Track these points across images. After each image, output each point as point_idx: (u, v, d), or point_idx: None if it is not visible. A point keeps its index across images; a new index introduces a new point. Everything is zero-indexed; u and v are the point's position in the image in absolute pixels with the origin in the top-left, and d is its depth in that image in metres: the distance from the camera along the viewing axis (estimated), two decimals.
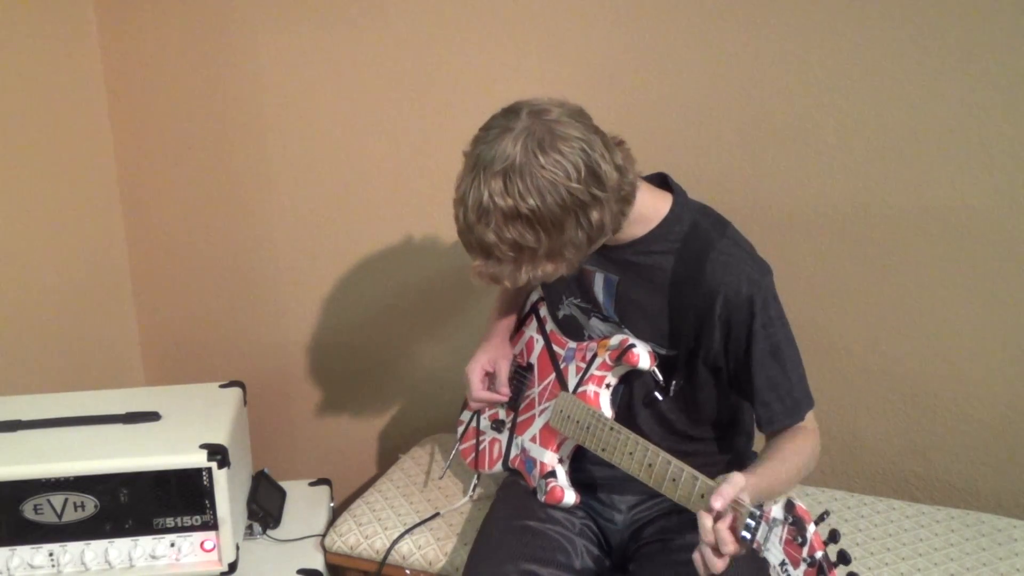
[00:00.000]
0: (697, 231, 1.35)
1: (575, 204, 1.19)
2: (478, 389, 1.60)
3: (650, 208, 1.35)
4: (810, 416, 1.37)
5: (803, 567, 1.06)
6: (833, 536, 1.07)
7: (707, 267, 1.32)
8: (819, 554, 1.06)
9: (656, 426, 1.44)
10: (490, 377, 1.63)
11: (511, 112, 1.23)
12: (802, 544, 1.07)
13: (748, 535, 1.12)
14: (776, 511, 1.10)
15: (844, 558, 1.06)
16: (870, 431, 1.86)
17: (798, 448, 1.31)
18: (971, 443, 1.78)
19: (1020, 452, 1.76)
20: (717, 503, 1.11)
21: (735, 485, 1.13)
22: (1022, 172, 1.64)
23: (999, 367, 1.73)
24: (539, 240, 1.20)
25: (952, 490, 1.82)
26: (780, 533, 1.09)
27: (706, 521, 1.13)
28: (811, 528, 1.07)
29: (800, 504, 1.08)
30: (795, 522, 1.08)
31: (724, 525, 1.12)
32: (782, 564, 1.08)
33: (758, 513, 1.11)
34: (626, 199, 1.27)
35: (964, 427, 1.78)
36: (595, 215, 1.21)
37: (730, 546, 1.11)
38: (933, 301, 1.75)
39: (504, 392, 1.61)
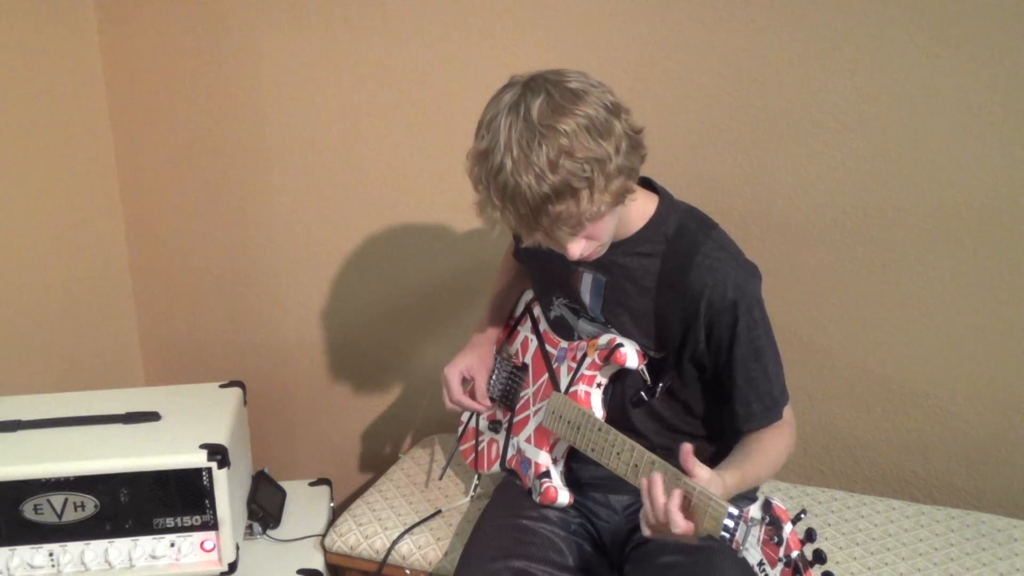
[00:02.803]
0: (683, 233, 1.35)
1: (613, 106, 1.22)
2: (457, 392, 1.61)
3: (637, 208, 1.36)
4: (786, 409, 1.40)
5: (780, 567, 1.07)
6: (809, 535, 1.07)
7: (692, 271, 1.32)
8: (795, 554, 1.06)
9: (650, 422, 1.44)
10: (468, 383, 1.63)
11: (501, 89, 1.25)
12: (779, 544, 1.07)
13: (728, 535, 1.12)
14: (754, 511, 1.11)
15: (820, 557, 1.06)
16: (870, 431, 1.85)
17: (768, 447, 1.35)
18: (971, 443, 1.78)
19: (1020, 452, 1.76)
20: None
21: (700, 478, 1.17)
22: (1022, 172, 1.64)
23: (999, 367, 1.73)
24: (602, 147, 1.19)
25: (952, 490, 1.82)
26: (758, 533, 1.09)
27: (658, 499, 1.18)
28: (787, 527, 1.07)
29: (777, 503, 1.09)
30: (772, 522, 1.08)
31: (675, 505, 1.16)
32: (760, 564, 1.09)
33: (737, 513, 1.12)
34: (635, 130, 1.27)
35: (964, 427, 1.78)
36: (627, 119, 1.24)
37: (680, 527, 1.15)
38: (933, 301, 1.75)
39: (484, 404, 1.62)
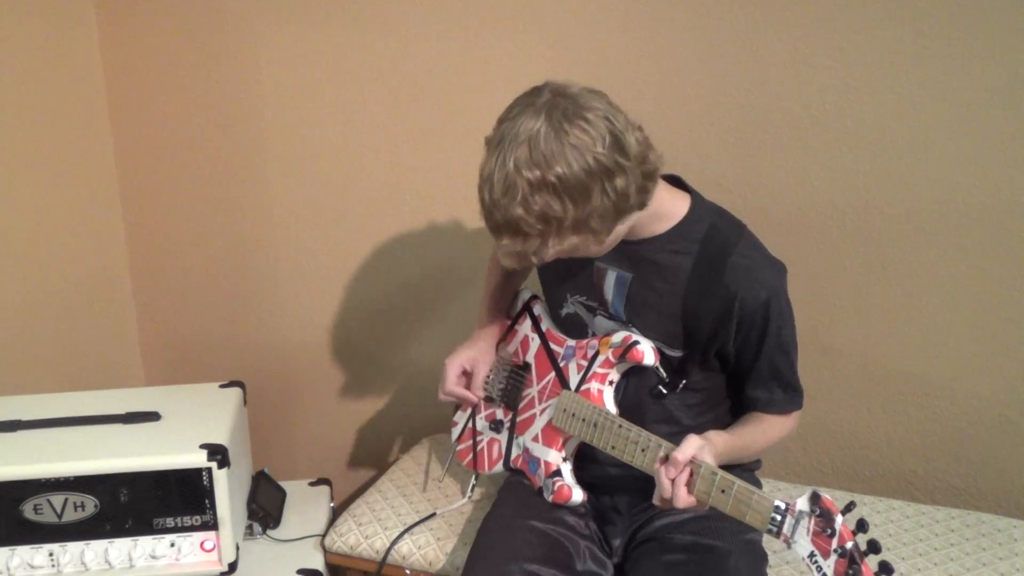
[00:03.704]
0: (715, 232, 1.36)
1: (601, 171, 1.20)
2: (452, 382, 1.61)
3: (669, 206, 1.37)
4: None
5: (834, 558, 1.07)
6: (862, 526, 1.07)
7: (727, 271, 1.33)
8: (849, 544, 1.07)
9: (662, 423, 1.45)
10: (467, 376, 1.64)
11: (533, 91, 1.26)
12: (831, 535, 1.08)
13: (775, 529, 1.13)
14: (802, 503, 1.12)
15: (875, 547, 1.06)
16: (870, 431, 1.86)
17: (767, 426, 1.42)
18: (971, 443, 1.78)
19: (1020, 452, 1.76)
20: (670, 472, 1.23)
21: (686, 451, 1.24)
22: (1022, 172, 1.64)
23: (999, 367, 1.73)
24: (565, 209, 1.20)
25: (952, 490, 1.82)
26: (807, 525, 1.10)
27: (664, 480, 1.24)
28: (839, 519, 1.08)
29: (826, 496, 1.10)
30: (822, 514, 1.09)
31: (681, 481, 1.23)
32: (811, 556, 1.10)
33: (783, 507, 1.13)
34: (649, 176, 1.27)
35: (964, 427, 1.78)
36: (620, 183, 1.22)
37: (682, 502, 1.23)
38: (933, 301, 1.75)
39: (478, 395, 1.62)
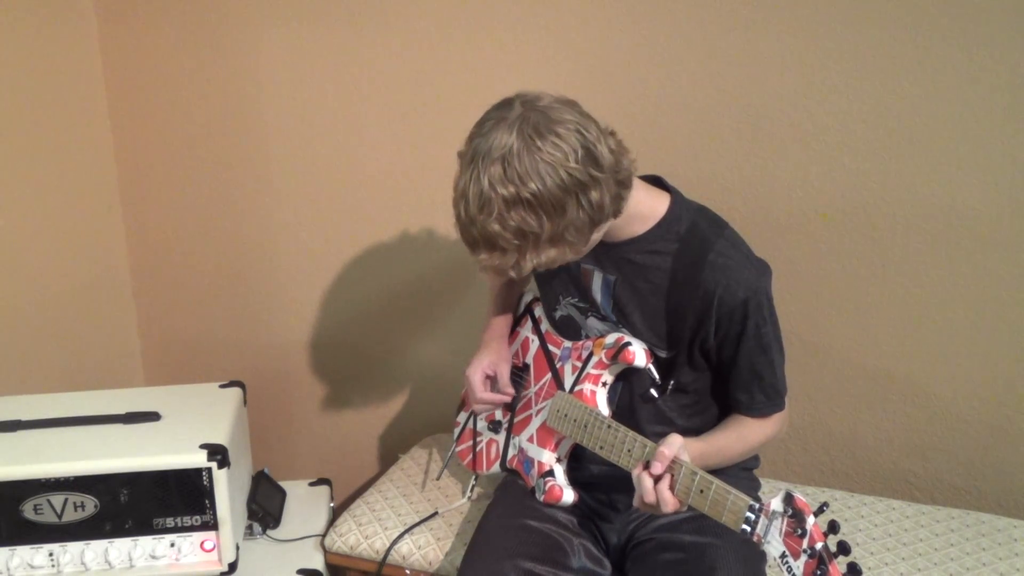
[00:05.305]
0: (695, 232, 1.36)
1: (575, 185, 1.20)
2: (481, 391, 1.59)
3: (648, 207, 1.37)
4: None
5: (803, 558, 1.08)
6: (833, 527, 1.08)
7: (705, 269, 1.33)
8: (819, 545, 1.07)
9: (656, 424, 1.45)
10: (490, 380, 1.63)
11: (504, 104, 1.25)
12: (802, 536, 1.08)
13: (748, 528, 1.13)
14: (775, 504, 1.12)
15: (844, 548, 1.07)
16: (870, 431, 1.86)
17: (745, 431, 1.41)
18: (971, 443, 1.78)
19: (1020, 452, 1.76)
20: (656, 468, 1.23)
21: (672, 446, 1.24)
22: (1022, 172, 1.64)
23: (999, 367, 1.73)
24: (541, 224, 1.20)
25: (952, 490, 1.82)
26: (780, 525, 1.11)
27: (646, 482, 1.24)
28: (810, 520, 1.08)
29: (799, 496, 1.10)
30: (794, 514, 1.09)
31: (664, 485, 1.23)
32: (782, 556, 1.10)
33: (758, 506, 1.14)
34: (624, 183, 1.28)
35: (964, 427, 1.78)
36: (595, 195, 1.22)
37: (670, 506, 1.22)
38: (933, 301, 1.75)
39: (508, 392, 1.61)
